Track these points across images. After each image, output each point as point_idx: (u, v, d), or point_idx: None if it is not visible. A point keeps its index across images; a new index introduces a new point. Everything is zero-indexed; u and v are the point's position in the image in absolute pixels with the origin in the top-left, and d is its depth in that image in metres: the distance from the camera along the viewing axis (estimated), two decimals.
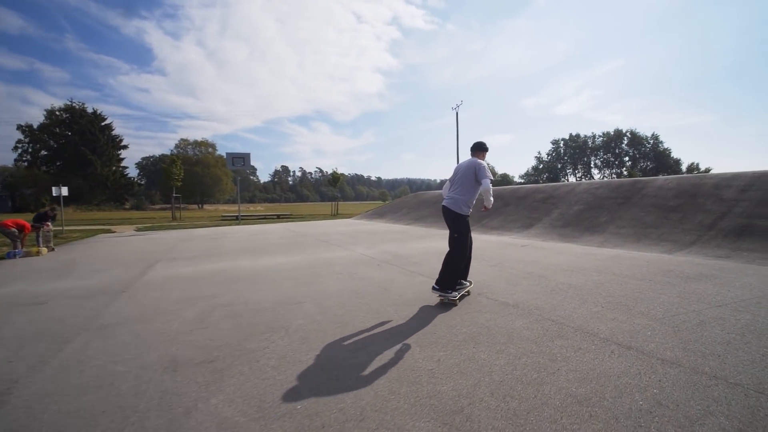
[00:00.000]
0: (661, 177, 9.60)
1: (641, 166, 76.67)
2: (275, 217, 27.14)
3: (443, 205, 4.11)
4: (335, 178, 33.46)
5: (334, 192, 33.54)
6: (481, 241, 8.97)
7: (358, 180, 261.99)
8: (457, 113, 41.20)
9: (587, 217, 9.37)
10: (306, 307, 3.86)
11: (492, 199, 3.97)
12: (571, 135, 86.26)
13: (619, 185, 10.18)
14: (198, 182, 69.06)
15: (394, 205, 21.87)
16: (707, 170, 62.51)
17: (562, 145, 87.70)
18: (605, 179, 11.40)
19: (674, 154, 75.56)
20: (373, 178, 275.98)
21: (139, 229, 16.83)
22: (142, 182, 78.84)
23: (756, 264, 5.26)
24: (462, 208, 3.98)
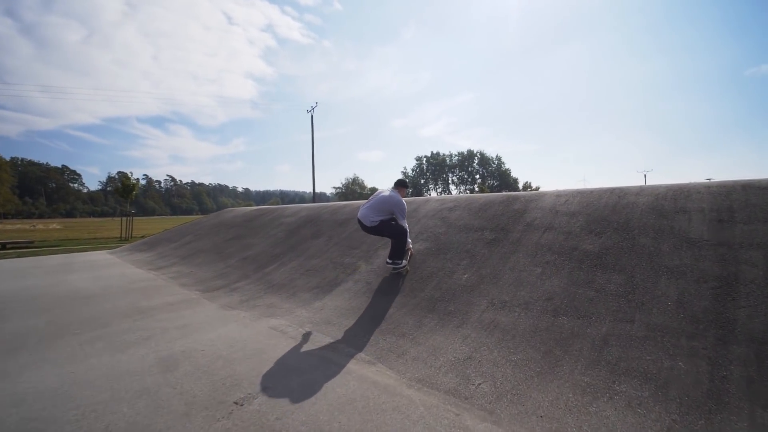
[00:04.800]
0: (550, 192, 5.49)
1: (489, 184, 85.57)
2: None
3: (359, 219, 4.65)
4: (126, 188, 23.69)
5: (126, 207, 23.76)
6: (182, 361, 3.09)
7: (221, 191, 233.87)
8: (312, 116, 36.04)
9: (433, 272, 4.49)
10: None
11: (410, 242, 4.94)
12: (432, 153, 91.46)
13: (486, 205, 5.75)
14: None
15: (181, 229, 14.60)
16: (537, 188, 72.73)
17: (425, 161, 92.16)
18: (463, 194, 7.50)
19: (513, 174, 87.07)
20: (240, 189, 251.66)
21: None
22: None
23: None
24: (373, 221, 4.55)
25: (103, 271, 8.99)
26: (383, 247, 5.62)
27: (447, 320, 3.50)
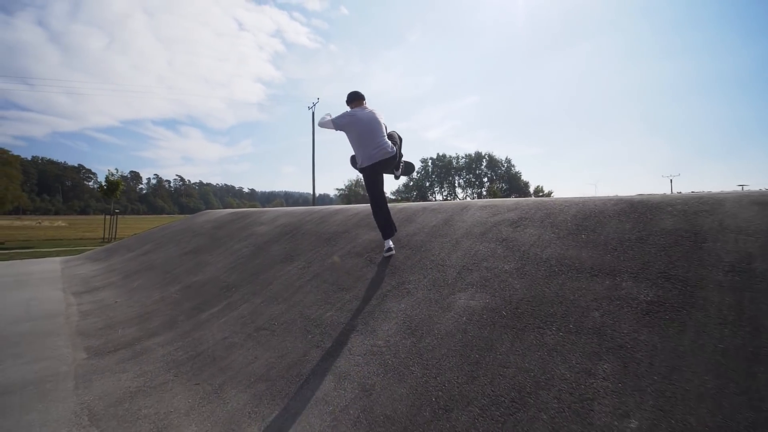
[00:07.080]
0: (728, 194, 2.88)
1: (499, 187, 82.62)
2: None
3: (381, 160, 3.72)
4: (111, 186, 21.58)
5: (109, 206, 21.79)
6: None
7: (228, 191, 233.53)
8: (313, 112, 33.76)
9: (517, 381, 1.90)
10: None
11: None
12: (438, 155, 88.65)
13: (587, 217, 3.16)
14: None
15: (148, 234, 12.19)
16: (549, 193, 69.67)
17: (430, 163, 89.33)
18: (527, 198, 4.96)
19: (523, 178, 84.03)
20: (246, 190, 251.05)
21: None
22: None
23: None
24: (392, 148, 3.81)
25: (15, 292, 6.83)
26: (392, 295, 3.02)
27: None
